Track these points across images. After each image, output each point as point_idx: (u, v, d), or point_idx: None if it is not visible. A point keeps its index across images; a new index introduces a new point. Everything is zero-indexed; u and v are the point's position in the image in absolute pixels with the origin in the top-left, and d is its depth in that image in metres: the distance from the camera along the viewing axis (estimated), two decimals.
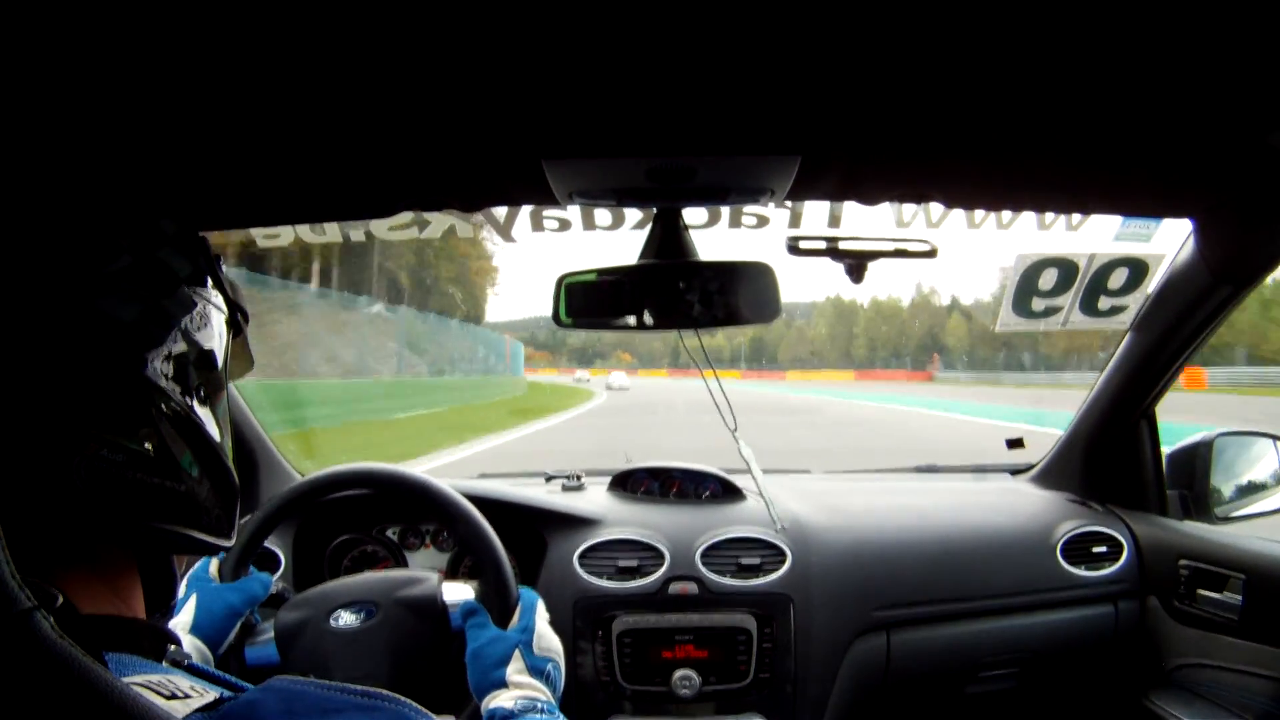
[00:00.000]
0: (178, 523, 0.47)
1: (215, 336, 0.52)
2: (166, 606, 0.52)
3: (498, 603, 0.91)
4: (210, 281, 0.53)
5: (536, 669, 0.85)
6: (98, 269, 0.44)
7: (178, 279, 0.49)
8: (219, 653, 0.89)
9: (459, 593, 0.94)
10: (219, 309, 0.53)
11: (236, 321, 0.56)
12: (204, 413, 0.50)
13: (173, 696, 0.40)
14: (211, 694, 0.42)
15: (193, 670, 0.48)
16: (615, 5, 0.51)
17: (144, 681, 0.40)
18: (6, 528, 0.35)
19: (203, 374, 0.50)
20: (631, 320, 0.93)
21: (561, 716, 0.79)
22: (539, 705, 0.79)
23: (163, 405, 0.46)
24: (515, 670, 0.84)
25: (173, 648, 0.49)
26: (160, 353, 0.46)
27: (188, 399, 0.48)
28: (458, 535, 1.04)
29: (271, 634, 0.93)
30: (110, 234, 0.45)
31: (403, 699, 0.45)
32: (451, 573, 1.35)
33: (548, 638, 0.90)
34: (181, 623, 0.88)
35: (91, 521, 0.43)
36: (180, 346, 0.48)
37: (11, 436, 0.40)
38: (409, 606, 0.92)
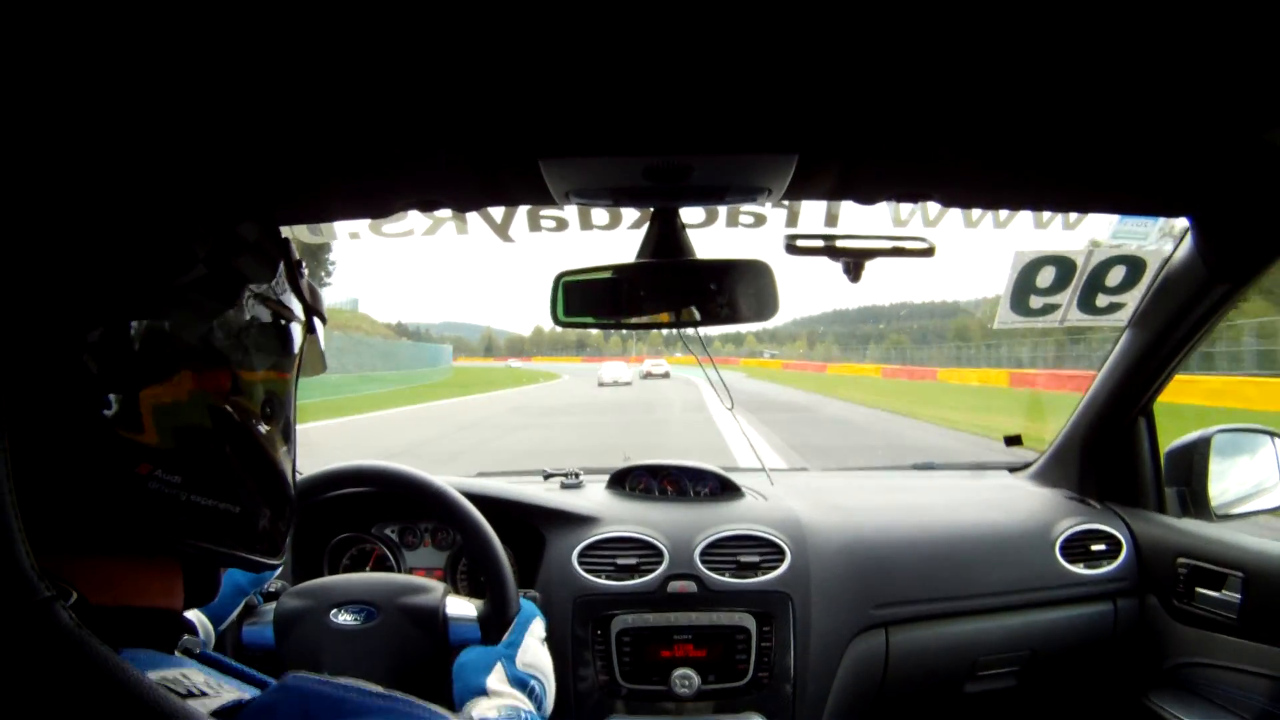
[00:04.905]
0: (227, 544, 0.46)
1: (286, 348, 0.50)
2: (205, 604, 0.52)
3: (495, 623, 0.92)
4: (289, 287, 0.51)
5: (518, 680, 0.85)
6: (167, 282, 0.42)
7: (251, 288, 0.47)
8: (220, 629, 0.91)
9: (462, 609, 0.94)
10: (296, 318, 0.52)
11: (312, 324, 0.55)
12: (266, 429, 0.48)
13: (189, 695, 0.39)
14: (226, 690, 0.42)
15: (204, 660, 0.47)
16: (612, 4, 0.50)
17: (159, 678, 0.39)
18: (42, 514, 0.34)
19: (268, 389, 0.48)
20: (630, 319, 0.93)
21: None
22: (522, 715, 0.78)
23: (224, 422, 0.44)
24: (496, 679, 0.83)
25: (186, 637, 0.48)
26: (224, 369, 0.45)
27: (251, 416, 0.47)
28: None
29: (271, 617, 0.94)
30: (185, 246, 0.43)
31: (419, 701, 0.43)
32: (450, 570, 1.35)
33: (533, 652, 0.89)
34: None
35: (140, 541, 0.42)
36: (246, 361, 0.46)
37: (65, 450, 0.39)
38: (410, 614, 0.92)
